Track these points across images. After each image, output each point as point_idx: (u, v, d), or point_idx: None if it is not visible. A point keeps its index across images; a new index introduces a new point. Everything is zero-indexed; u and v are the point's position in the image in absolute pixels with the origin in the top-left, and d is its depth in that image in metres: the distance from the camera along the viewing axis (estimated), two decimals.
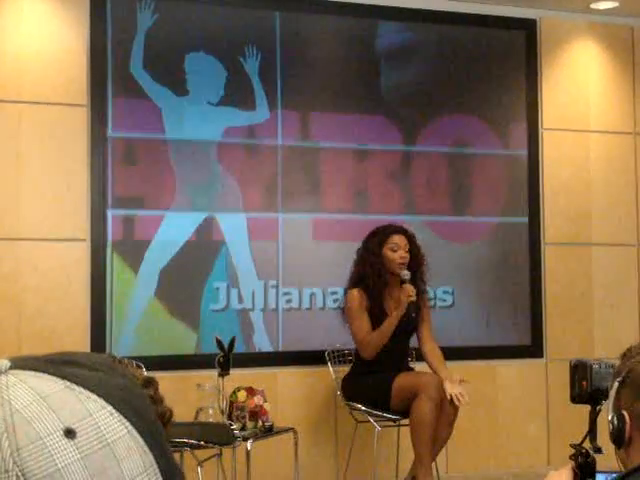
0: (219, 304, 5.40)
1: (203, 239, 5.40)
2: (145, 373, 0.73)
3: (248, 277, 5.45)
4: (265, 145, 5.54)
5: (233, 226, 5.46)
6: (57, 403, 0.60)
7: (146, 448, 0.62)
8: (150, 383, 0.69)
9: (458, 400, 4.71)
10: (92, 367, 0.65)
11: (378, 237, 5.01)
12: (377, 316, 4.95)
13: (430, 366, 5.00)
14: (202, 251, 5.39)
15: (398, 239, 5.00)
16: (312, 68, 5.66)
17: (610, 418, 1.61)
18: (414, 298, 4.87)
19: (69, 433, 0.59)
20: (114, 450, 0.60)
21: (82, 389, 0.62)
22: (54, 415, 0.59)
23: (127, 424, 0.62)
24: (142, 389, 0.67)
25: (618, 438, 1.60)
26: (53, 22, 5.17)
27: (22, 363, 0.63)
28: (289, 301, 5.53)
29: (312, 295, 5.56)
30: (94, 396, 0.62)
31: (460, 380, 4.80)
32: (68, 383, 0.62)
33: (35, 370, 0.62)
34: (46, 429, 0.58)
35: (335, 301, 5.51)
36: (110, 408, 0.62)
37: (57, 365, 0.63)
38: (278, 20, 5.60)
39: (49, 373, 0.62)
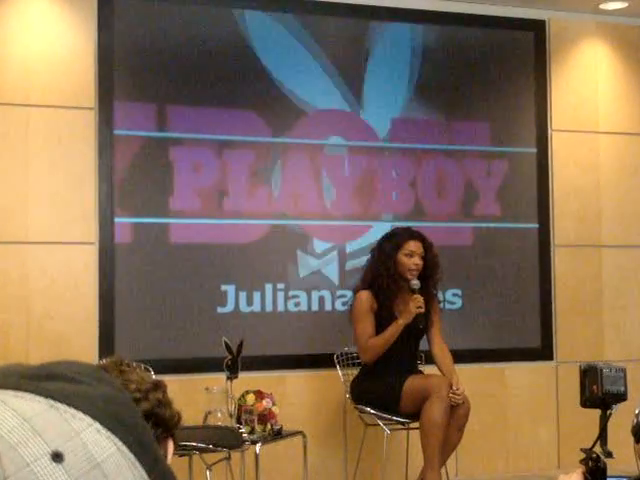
0: (228, 307, 5.40)
1: (211, 242, 5.39)
2: (153, 376, 0.72)
3: (257, 280, 5.45)
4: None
5: (238, 227, 5.45)
6: (42, 425, 0.58)
7: (137, 463, 0.60)
8: (158, 386, 0.67)
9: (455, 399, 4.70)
10: (75, 379, 0.62)
11: (395, 241, 4.97)
12: (385, 319, 4.92)
13: (440, 369, 4.98)
14: (211, 254, 5.38)
15: (414, 245, 4.95)
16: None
17: (637, 412, 1.62)
18: (423, 310, 4.85)
19: (57, 457, 0.57)
20: (104, 469, 0.58)
21: (67, 407, 0.60)
22: (40, 439, 0.57)
23: (115, 440, 0.60)
24: (128, 394, 0.65)
25: (639, 433, 1.61)
26: (61, 25, 5.17)
27: (2, 381, 0.61)
28: (297, 304, 5.52)
29: (320, 298, 5.56)
30: (80, 414, 0.60)
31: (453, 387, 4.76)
32: (52, 402, 0.60)
33: (16, 389, 0.60)
34: (32, 454, 0.57)
35: (344, 304, 5.50)
36: (97, 425, 0.60)
37: (39, 381, 0.61)
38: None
39: (31, 392, 0.60)
